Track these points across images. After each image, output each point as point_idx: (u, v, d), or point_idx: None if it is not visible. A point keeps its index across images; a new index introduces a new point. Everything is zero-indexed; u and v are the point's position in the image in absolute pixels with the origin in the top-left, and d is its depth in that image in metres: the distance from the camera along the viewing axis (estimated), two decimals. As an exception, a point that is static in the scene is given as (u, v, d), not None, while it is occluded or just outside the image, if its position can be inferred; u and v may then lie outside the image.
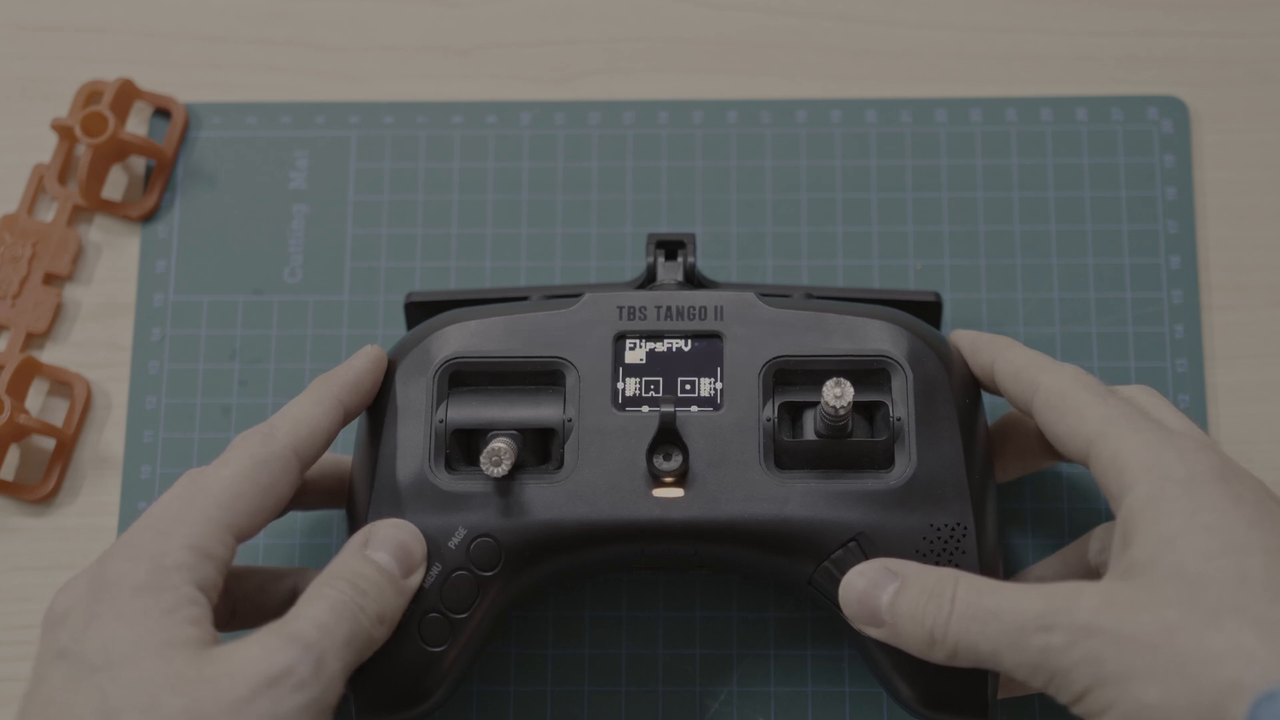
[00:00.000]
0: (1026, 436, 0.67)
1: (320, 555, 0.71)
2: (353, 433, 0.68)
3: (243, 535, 0.59)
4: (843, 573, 0.61)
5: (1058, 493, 0.71)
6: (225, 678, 0.53)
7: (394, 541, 0.60)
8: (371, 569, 0.59)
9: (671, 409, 0.62)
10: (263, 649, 0.54)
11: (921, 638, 0.57)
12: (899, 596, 0.58)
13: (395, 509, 0.62)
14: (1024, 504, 0.71)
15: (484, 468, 0.61)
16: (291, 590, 0.65)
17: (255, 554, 0.71)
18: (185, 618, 0.55)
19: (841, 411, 0.61)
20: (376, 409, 0.64)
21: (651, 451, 0.62)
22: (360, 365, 0.64)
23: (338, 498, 0.67)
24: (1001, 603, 0.55)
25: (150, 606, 0.54)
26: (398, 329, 0.74)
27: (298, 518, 0.71)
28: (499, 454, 0.61)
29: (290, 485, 0.60)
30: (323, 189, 0.76)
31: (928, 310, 0.69)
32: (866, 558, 0.61)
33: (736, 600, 0.70)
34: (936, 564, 0.61)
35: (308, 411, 0.62)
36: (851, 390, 0.61)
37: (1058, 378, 0.61)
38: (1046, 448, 0.66)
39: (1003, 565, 0.65)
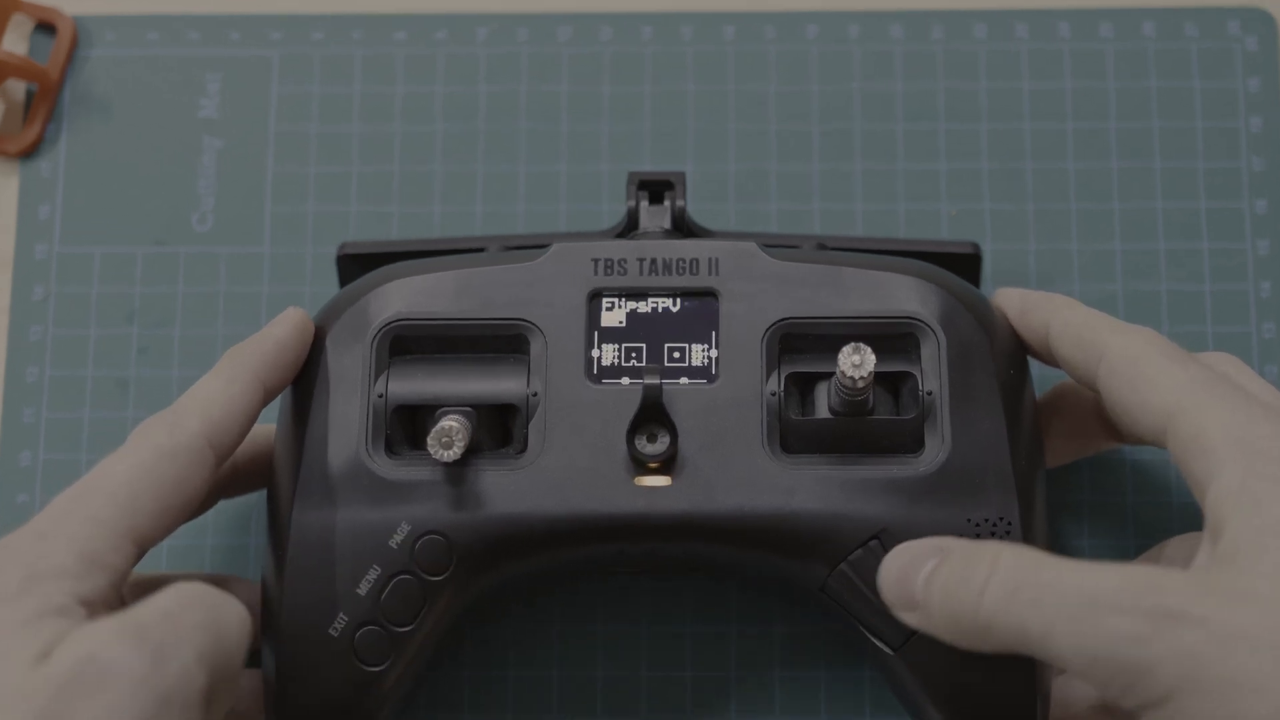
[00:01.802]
0: (1082, 411, 0.67)
1: (237, 558, 0.71)
2: (276, 407, 0.67)
3: (145, 540, 0.58)
4: (863, 577, 0.61)
5: (1120, 481, 0.71)
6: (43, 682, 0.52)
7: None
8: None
9: (657, 381, 0.62)
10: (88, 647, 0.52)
11: (953, 614, 0.56)
12: (937, 571, 0.57)
13: (326, 500, 0.62)
14: (1080, 495, 0.71)
15: (431, 451, 0.60)
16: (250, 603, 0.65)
17: (159, 555, 0.71)
18: (45, 632, 0.53)
19: (860, 384, 0.60)
20: (303, 381, 0.64)
21: (633, 432, 0.62)
22: (281, 333, 0.63)
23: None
24: (1062, 576, 0.53)
25: (8, 619, 0.53)
26: (329, 287, 0.73)
27: (207, 514, 0.70)
28: (449, 434, 0.60)
29: (203, 481, 0.60)
30: (239, 119, 0.76)
31: (964, 264, 0.69)
32: (891, 560, 0.61)
33: (735, 611, 0.70)
34: (974, 564, 0.61)
35: (221, 392, 0.61)
36: (873, 358, 0.60)
37: (1129, 340, 0.60)
38: (1107, 426, 0.66)
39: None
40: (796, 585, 0.63)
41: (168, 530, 0.59)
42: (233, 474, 0.66)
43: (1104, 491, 0.71)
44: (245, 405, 0.61)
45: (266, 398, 0.63)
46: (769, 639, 0.70)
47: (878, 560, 0.60)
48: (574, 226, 0.74)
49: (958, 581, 0.56)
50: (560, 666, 0.70)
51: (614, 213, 0.74)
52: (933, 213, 0.74)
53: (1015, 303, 0.65)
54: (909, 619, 0.58)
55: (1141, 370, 0.59)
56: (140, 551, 0.58)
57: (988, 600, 0.55)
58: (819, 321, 0.63)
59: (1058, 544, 0.70)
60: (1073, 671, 0.54)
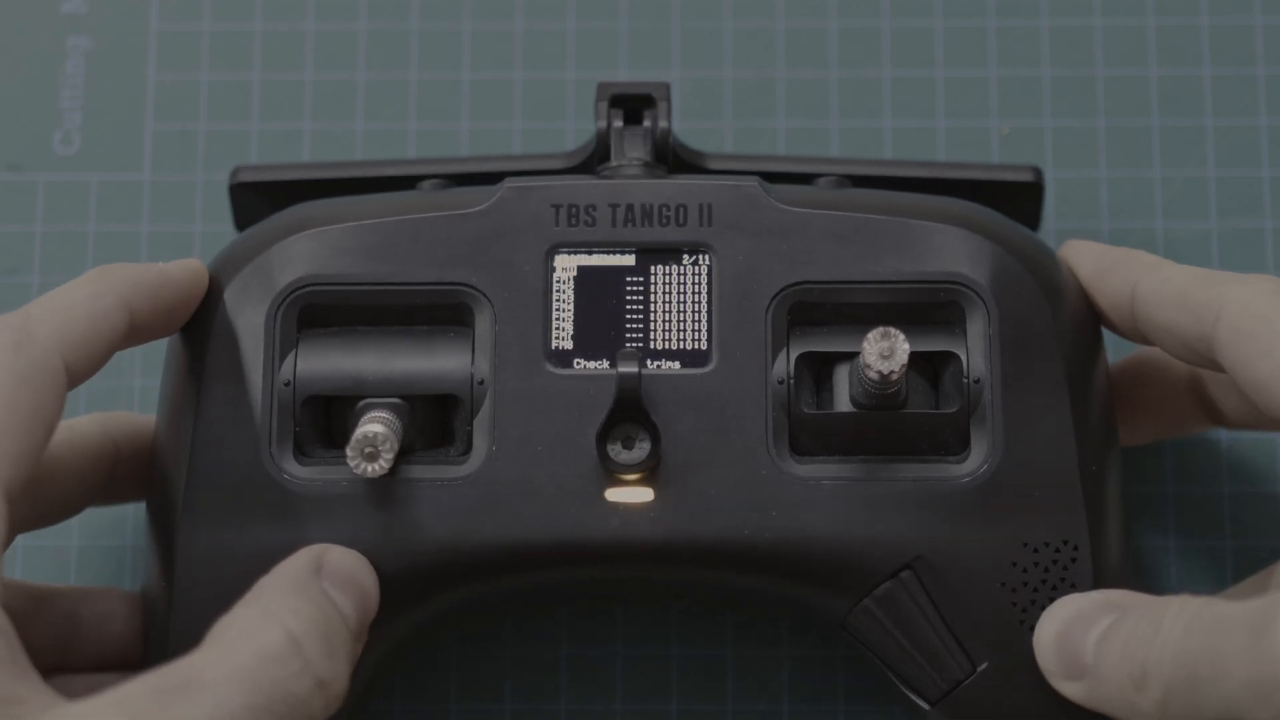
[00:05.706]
0: (1172, 383, 0.67)
1: (109, 565, 0.71)
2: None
3: (12, 491, 0.56)
4: (893, 617, 0.61)
5: (1214, 468, 0.71)
6: None
7: (353, 581, 0.59)
8: (334, 613, 0.57)
9: (635, 367, 0.60)
10: None
11: (1132, 678, 0.55)
12: (1114, 628, 0.57)
13: (220, 513, 0.61)
14: (1162, 486, 0.71)
15: (352, 465, 0.59)
16: (126, 618, 0.65)
17: (13, 561, 0.72)
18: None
19: (893, 377, 0.59)
20: (194, 357, 0.63)
21: (605, 433, 0.61)
22: (171, 271, 0.62)
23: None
24: (1245, 605, 0.53)
25: None
26: (228, 226, 0.72)
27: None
28: (374, 443, 0.59)
29: (56, 414, 0.58)
30: (112, 13, 0.77)
31: (1021, 196, 0.69)
32: (926, 591, 0.60)
33: (732, 631, 0.70)
34: (1031, 600, 0.61)
35: (82, 305, 0.60)
36: (906, 347, 0.58)
37: (1256, 291, 0.58)
38: (1203, 402, 0.66)
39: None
40: (811, 620, 0.64)
41: (26, 482, 0.57)
42: (112, 469, 0.65)
43: (1193, 481, 0.71)
44: (107, 327, 0.60)
45: (130, 334, 0.61)
46: (774, 665, 0.69)
47: (911, 595, 0.60)
48: (531, 149, 0.75)
49: (1142, 640, 0.55)
50: (514, 699, 0.70)
51: (580, 132, 0.74)
52: (980, 131, 0.75)
53: (1090, 261, 0.64)
54: (1071, 690, 0.58)
55: (1277, 329, 0.58)
56: (9, 508, 0.56)
57: (1160, 645, 0.54)
58: (839, 286, 0.62)
59: (1135, 546, 0.71)
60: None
